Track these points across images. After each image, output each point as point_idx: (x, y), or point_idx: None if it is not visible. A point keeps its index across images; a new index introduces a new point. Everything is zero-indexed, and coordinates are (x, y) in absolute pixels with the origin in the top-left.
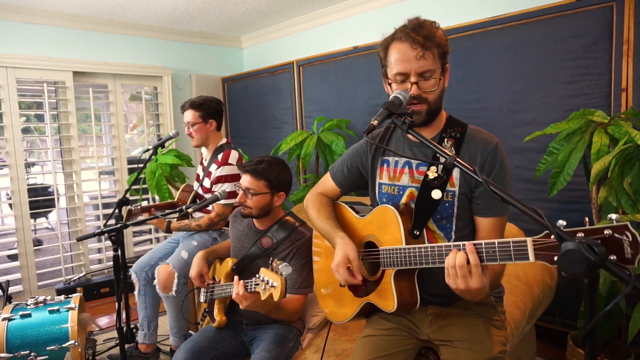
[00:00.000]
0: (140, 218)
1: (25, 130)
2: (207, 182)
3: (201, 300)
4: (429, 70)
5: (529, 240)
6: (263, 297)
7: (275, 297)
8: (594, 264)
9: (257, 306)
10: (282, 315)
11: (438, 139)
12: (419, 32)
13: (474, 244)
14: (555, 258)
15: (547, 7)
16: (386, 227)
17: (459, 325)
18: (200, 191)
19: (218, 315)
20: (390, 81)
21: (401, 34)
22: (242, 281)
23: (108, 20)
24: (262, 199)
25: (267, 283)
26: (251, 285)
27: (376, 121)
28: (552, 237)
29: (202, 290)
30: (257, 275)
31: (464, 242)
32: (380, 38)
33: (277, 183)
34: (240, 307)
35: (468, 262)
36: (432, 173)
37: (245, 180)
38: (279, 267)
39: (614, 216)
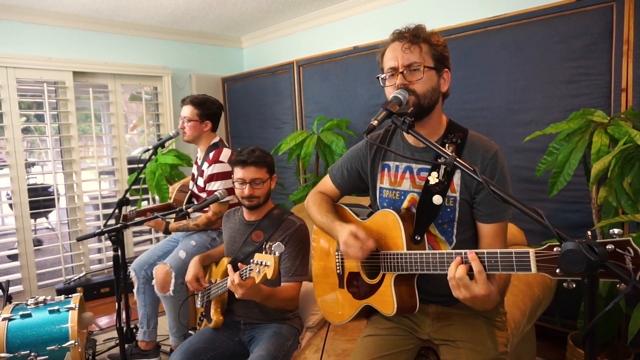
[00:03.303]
0: (139, 219)
1: (25, 130)
2: (200, 181)
3: (198, 306)
4: (415, 63)
5: (531, 251)
6: (258, 279)
7: (269, 275)
8: (594, 264)
9: (252, 294)
10: (277, 303)
11: (439, 144)
12: (408, 31)
13: (476, 253)
14: (558, 270)
15: (547, 7)
16: (387, 231)
17: (460, 325)
18: (195, 190)
19: (215, 315)
20: (384, 78)
21: (393, 35)
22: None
23: (108, 20)
24: (267, 185)
25: (261, 264)
26: (245, 272)
27: (376, 121)
28: (555, 249)
29: (199, 295)
30: (251, 261)
31: (465, 251)
32: (380, 38)
33: (271, 166)
34: (237, 296)
35: (471, 269)
36: (433, 179)
37: (251, 172)
38: (272, 247)
39: (616, 231)
